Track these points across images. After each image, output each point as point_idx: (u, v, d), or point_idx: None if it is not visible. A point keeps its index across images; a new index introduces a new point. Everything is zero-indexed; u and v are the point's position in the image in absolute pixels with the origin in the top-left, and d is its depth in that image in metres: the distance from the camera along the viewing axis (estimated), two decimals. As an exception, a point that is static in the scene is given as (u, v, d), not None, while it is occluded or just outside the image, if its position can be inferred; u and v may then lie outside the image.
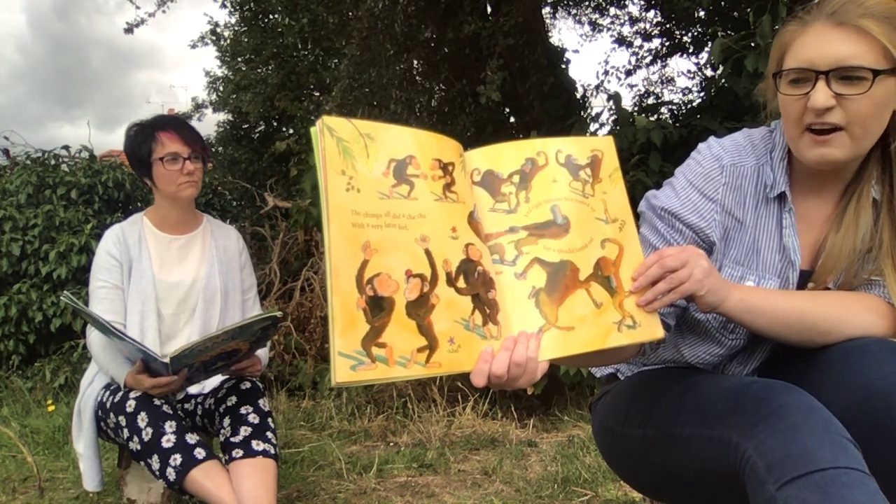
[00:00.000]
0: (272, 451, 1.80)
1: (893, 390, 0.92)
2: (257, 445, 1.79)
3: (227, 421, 1.87)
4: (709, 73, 5.38)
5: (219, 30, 6.78)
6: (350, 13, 4.64)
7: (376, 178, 0.85)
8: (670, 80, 6.42)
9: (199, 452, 1.73)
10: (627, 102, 6.05)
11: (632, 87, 6.48)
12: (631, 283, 0.99)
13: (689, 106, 5.10)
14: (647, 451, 1.13)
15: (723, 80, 3.50)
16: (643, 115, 4.04)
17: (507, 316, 0.91)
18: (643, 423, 1.13)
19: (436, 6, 4.54)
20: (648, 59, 6.19)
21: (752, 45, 2.84)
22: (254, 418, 1.86)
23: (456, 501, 2.16)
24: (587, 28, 6.46)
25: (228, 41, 6.91)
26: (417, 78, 5.13)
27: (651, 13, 5.97)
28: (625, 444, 1.19)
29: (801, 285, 1.12)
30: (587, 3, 6.18)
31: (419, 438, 2.85)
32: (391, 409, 3.12)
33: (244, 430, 1.83)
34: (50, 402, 3.60)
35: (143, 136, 1.97)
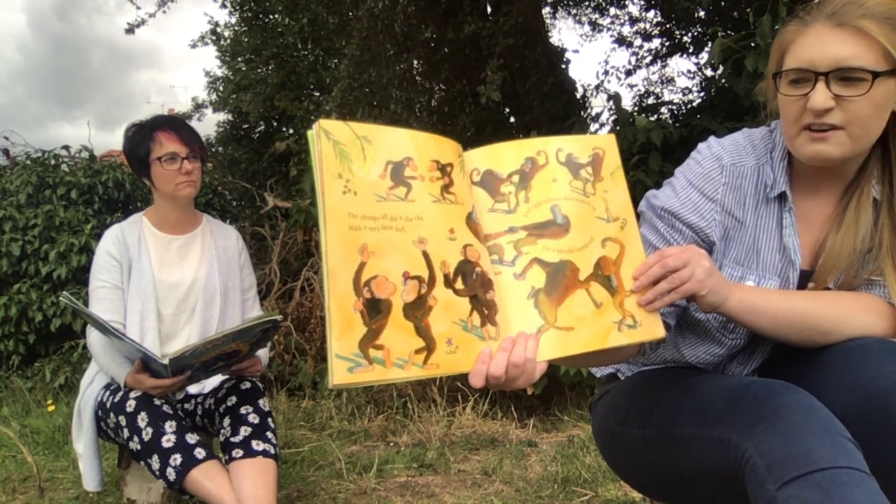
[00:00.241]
0: (272, 451, 1.80)
1: (893, 390, 0.92)
2: (257, 445, 1.79)
3: (227, 421, 1.87)
4: (709, 73, 5.38)
5: (219, 30, 6.79)
6: (350, 13, 4.64)
7: (373, 181, 0.85)
8: (670, 80, 6.42)
9: (199, 452, 1.73)
10: (627, 102, 6.06)
11: (632, 87, 6.48)
12: (632, 282, 0.98)
13: (689, 106, 5.10)
14: (647, 451, 1.13)
15: (723, 80, 3.50)
16: (643, 115, 4.04)
17: (505, 317, 0.91)
18: (643, 423, 1.13)
19: (436, 6, 4.54)
20: (648, 59, 6.19)
21: (752, 45, 2.84)
22: (254, 418, 1.86)
23: (456, 501, 2.16)
24: (587, 28, 6.46)
25: (228, 41, 6.91)
26: (417, 78, 5.12)
27: (651, 13, 5.97)
28: (625, 444, 1.19)
29: (802, 285, 1.12)
30: (587, 3, 6.18)
31: (419, 438, 2.85)
32: (391, 409, 3.12)
33: (244, 430, 1.82)
34: (50, 402, 3.60)
35: (141, 136, 1.97)
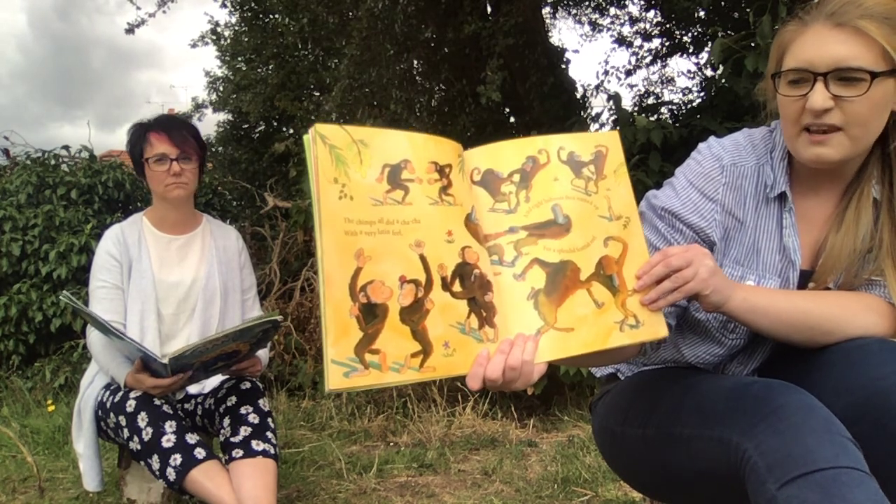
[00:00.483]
0: (272, 451, 1.80)
1: (893, 390, 0.92)
2: (257, 445, 1.79)
3: (227, 421, 1.87)
4: (709, 73, 5.38)
5: (219, 29, 6.79)
6: (350, 13, 4.64)
7: (370, 185, 0.85)
8: (670, 80, 6.43)
9: (199, 452, 1.73)
10: (627, 102, 6.06)
11: (632, 87, 6.49)
12: (634, 281, 0.98)
13: (689, 106, 5.10)
14: (647, 450, 1.13)
15: (723, 80, 3.50)
16: (643, 115, 4.03)
17: (504, 318, 0.91)
18: (643, 423, 1.13)
19: (436, 6, 4.54)
20: (648, 59, 6.19)
21: (752, 45, 2.84)
22: (254, 418, 1.86)
23: (456, 501, 2.16)
24: (587, 28, 6.47)
25: (228, 41, 6.92)
26: (417, 78, 5.13)
27: (651, 13, 5.98)
28: (625, 444, 1.18)
29: (802, 285, 1.12)
30: (587, 3, 6.18)
31: (419, 438, 2.85)
32: (391, 409, 3.12)
33: (244, 430, 1.82)
34: (50, 402, 3.60)
35: (136, 136, 1.98)
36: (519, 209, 0.94)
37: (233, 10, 6.23)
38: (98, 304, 1.94)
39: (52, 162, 4.77)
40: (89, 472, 1.93)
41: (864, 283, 1.10)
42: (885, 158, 1.08)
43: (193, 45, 6.54)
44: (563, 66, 5.04)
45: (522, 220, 0.94)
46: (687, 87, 6.28)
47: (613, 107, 3.95)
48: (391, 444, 2.84)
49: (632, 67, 6.18)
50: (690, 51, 5.77)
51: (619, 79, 6.17)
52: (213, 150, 6.91)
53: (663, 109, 5.20)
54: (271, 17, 6.26)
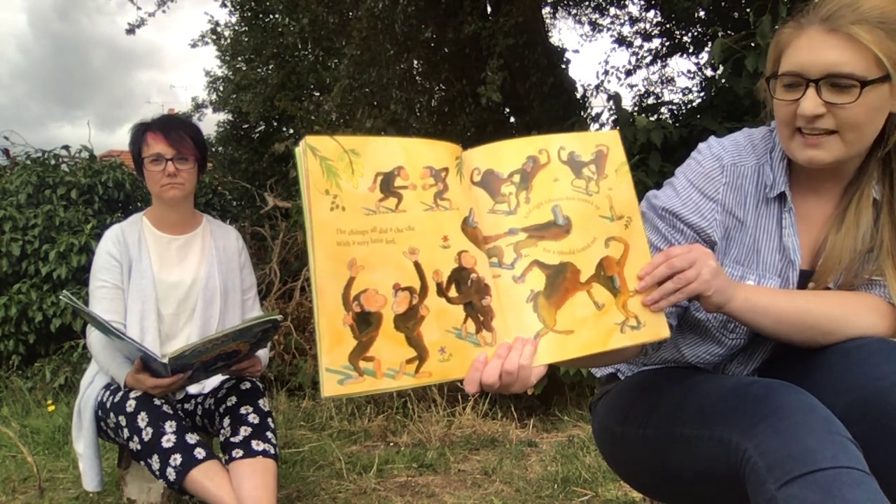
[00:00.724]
0: (272, 451, 1.80)
1: (893, 390, 0.92)
2: (257, 445, 1.79)
3: (227, 421, 1.87)
4: (709, 73, 5.38)
5: (219, 29, 6.80)
6: (350, 13, 4.64)
7: (362, 194, 0.85)
8: (670, 80, 6.43)
9: (199, 452, 1.73)
10: (627, 102, 6.07)
11: (632, 87, 6.49)
12: (636, 282, 0.97)
13: (689, 106, 5.10)
14: (648, 450, 1.13)
15: (723, 80, 3.50)
16: (643, 115, 4.04)
17: (503, 321, 0.90)
18: (643, 423, 1.13)
19: (436, 6, 4.54)
20: (648, 59, 6.20)
21: (752, 45, 2.84)
22: (254, 418, 1.86)
23: (456, 501, 2.16)
24: (587, 28, 6.47)
25: (228, 41, 6.92)
26: (417, 78, 5.13)
27: (651, 13, 5.98)
28: (625, 444, 1.18)
29: (802, 285, 1.12)
30: (587, 3, 6.18)
31: (419, 438, 2.85)
32: (391, 409, 3.12)
33: (244, 430, 1.82)
34: (50, 402, 3.60)
35: (136, 135, 1.98)
36: (519, 210, 0.94)
37: (233, 9, 6.24)
38: (98, 304, 1.94)
39: (52, 162, 4.78)
40: (89, 472, 1.93)
41: (864, 283, 1.10)
42: (886, 159, 1.08)
43: (193, 45, 6.55)
44: (563, 66, 5.04)
45: (522, 221, 0.93)
46: (687, 87, 6.29)
47: (613, 107, 3.95)
48: (391, 444, 2.84)
49: (632, 67, 6.19)
50: (690, 51, 5.78)
51: (619, 79, 6.18)
52: (213, 150, 6.92)
53: (663, 109, 5.20)
54: (271, 17, 6.26)
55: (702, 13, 5.10)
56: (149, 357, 1.73)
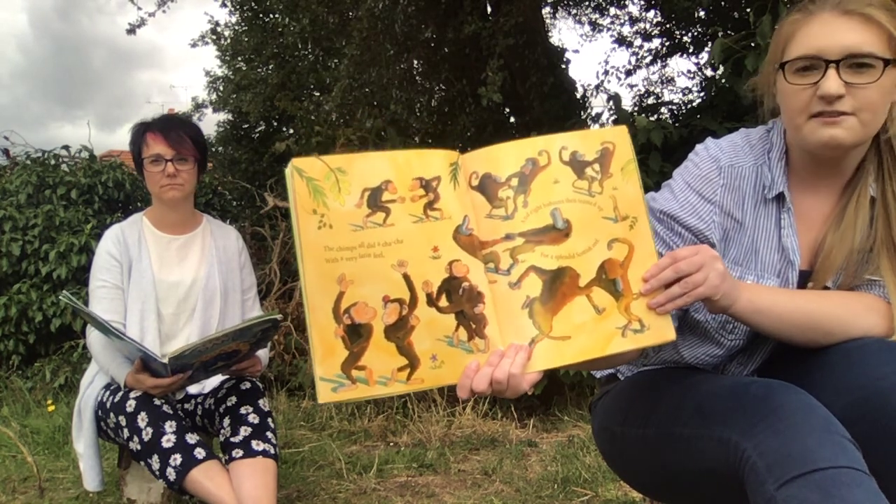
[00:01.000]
0: (272, 451, 1.80)
1: (893, 390, 0.92)
2: (257, 445, 1.79)
3: (226, 421, 1.87)
4: (709, 73, 5.38)
5: (219, 29, 6.80)
6: (350, 13, 4.64)
7: (349, 211, 0.87)
8: (670, 80, 6.43)
9: (199, 452, 1.73)
10: (627, 102, 6.06)
11: (632, 87, 6.49)
12: (640, 284, 0.94)
13: (689, 106, 5.10)
14: (647, 450, 1.13)
15: (723, 80, 3.50)
16: (643, 115, 4.03)
17: (499, 328, 0.90)
18: (643, 423, 1.13)
19: (436, 6, 4.54)
20: (648, 59, 6.19)
21: (753, 45, 2.84)
22: (254, 418, 1.86)
23: (456, 501, 2.16)
24: (587, 28, 6.47)
25: (229, 41, 6.92)
26: (417, 78, 5.13)
27: (651, 13, 5.98)
28: (625, 444, 1.18)
29: (801, 285, 1.12)
30: (587, 3, 6.18)
31: (419, 438, 2.85)
32: (391, 409, 3.12)
33: (244, 430, 1.82)
34: (50, 402, 3.60)
35: (136, 135, 1.98)
36: (516, 215, 0.92)
37: (233, 9, 6.23)
38: (98, 303, 1.94)
39: (52, 162, 4.78)
40: (89, 472, 1.93)
41: (863, 282, 1.10)
42: (880, 154, 1.08)
43: (193, 45, 6.55)
44: (563, 66, 5.04)
45: (520, 226, 0.92)
46: (687, 87, 6.29)
47: (613, 107, 3.95)
48: (391, 444, 2.84)
49: (632, 67, 6.18)
50: (690, 51, 5.77)
51: (619, 79, 6.18)
52: (213, 150, 6.92)
53: (663, 109, 5.20)
54: (271, 16, 6.26)
55: (702, 13, 5.10)
56: (149, 357, 1.73)
